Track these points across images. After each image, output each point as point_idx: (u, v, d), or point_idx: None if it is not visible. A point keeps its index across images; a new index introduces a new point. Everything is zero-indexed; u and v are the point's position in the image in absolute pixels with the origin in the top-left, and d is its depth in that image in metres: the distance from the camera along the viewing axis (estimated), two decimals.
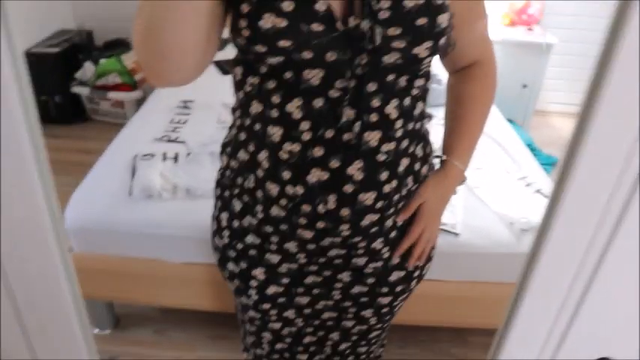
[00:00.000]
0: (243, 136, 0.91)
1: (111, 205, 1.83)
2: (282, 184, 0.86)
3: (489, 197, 1.98)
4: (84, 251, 1.85)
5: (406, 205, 0.97)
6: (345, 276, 1.01)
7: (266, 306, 1.05)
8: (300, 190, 0.86)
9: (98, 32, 3.72)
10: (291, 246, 0.96)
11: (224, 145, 1.00)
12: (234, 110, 0.95)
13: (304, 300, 1.05)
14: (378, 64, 0.80)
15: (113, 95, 3.32)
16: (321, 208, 0.87)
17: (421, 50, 0.80)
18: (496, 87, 1.04)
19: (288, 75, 0.80)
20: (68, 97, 3.41)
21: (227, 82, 2.77)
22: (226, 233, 1.02)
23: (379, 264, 1.01)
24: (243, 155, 0.91)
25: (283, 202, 0.88)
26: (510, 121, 2.75)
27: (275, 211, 0.90)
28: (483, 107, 1.04)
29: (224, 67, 3.00)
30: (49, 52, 3.26)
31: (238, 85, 0.90)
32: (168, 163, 2.06)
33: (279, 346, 1.16)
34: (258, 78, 0.83)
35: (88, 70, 3.34)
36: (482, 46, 1.01)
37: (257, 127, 0.87)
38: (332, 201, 0.86)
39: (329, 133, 0.82)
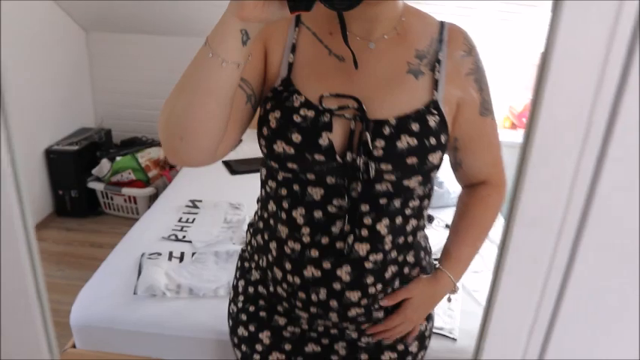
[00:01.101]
0: (261, 224, 1.06)
1: (115, 304, 1.88)
2: (285, 272, 1.00)
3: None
4: (86, 348, 1.88)
5: (393, 293, 1.04)
6: (341, 348, 1.09)
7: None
8: (297, 280, 0.99)
9: (116, 130, 3.91)
10: (295, 315, 1.06)
11: (250, 225, 1.13)
12: (258, 201, 1.10)
13: None
14: (371, 190, 0.92)
15: (127, 191, 3.45)
16: (313, 298, 0.99)
17: (411, 182, 0.93)
18: (500, 208, 1.10)
19: (295, 187, 0.95)
20: (84, 191, 3.53)
21: (234, 182, 2.91)
22: (241, 298, 1.13)
23: (371, 339, 1.09)
24: (259, 240, 1.06)
25: (285, 285, 1.01)
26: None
27: (279, 290, 1.04)
28: (482, 226, 1.10)
29: (233, 167, 3.12)
30: (69, 150, 3.42)
31: (262, 184, 1.05)
32: (174, 262, 2.12)
33: None
34: (275, 183, 0.98)
35: (104, 166, 3.49)
36: (492, 170, 1.08)
37: (271, 222, 1.02)
38: (323, 293, 0.98)
39: (324, 240, 0.95)
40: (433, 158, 0.91)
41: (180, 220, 2.47)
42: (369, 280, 0.98)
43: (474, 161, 1.04)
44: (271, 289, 1.06)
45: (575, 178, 0.55)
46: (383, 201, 0.94)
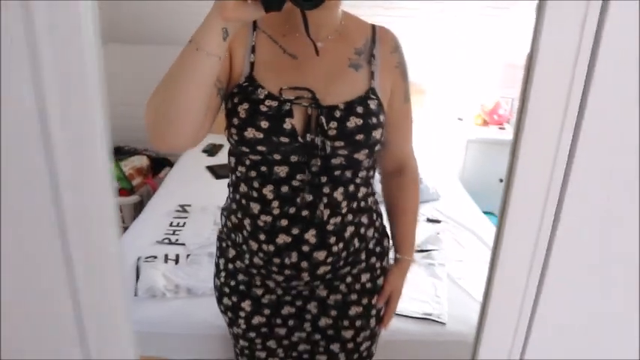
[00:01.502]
0: (234, 206, 1.21)
1: None
2: (259, 243, 1.16)
3: (472, 288, 2.12)
4: None
5: (382, 292, 1.32)
6: (312, 307, 1.28)
7: (252, 334, 1.31)
8: (271, 247, 1.15)
9: None
10: (270, 283, 1.24)
11: (223, 209, 1.29)
12: (229, 186, 1.24)
13: (282, 331, 1.30)
14: (328, 164, 1.11)
15: None
16: (287, 261, 1.16)
17: (360, 155, 1.12)
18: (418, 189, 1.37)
19: (263, 168, 1.12)
20: None
21: (220, 185, 2.98)
22: (223, 274, 1.30)
23: (338, 296, 1.27)
24: (234, 219, 1.21)
25: (260, 254, 1.17)
26: (488, 213, 2.94)
27: (256, 260, 1.20)
28: (415, 208, 1.37)
29: (217, 171, 3.20)
30: None
31: (232, 170, 1.20)
32: (170, 264, 2.19)
33: None
34: (244, 168, 1.14)
35: None
36: (409, 149, 1.33)
37: (243, 201, 1.17)
38: (294, 256, 1.15)
39: (292, 210, 1.13)
40: (376, 134, 1.11)
41: (171, 225, 2.54)
42: (332, 240, 1.16)
43: (398, 139, 1.25)
44: (247, 261, 1.22)
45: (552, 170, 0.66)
46: (337, 173, 1.13)
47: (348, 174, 1.14)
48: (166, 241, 2.38)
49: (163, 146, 0.99)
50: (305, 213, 1.12)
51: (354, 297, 1.28)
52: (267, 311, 1.27)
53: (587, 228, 0.71)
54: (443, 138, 3.95)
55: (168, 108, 0.94)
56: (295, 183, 1.11)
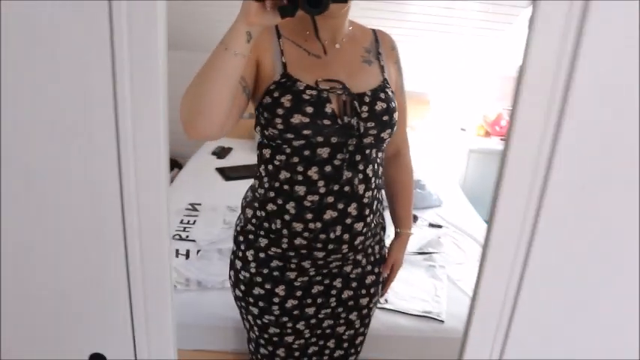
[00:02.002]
0: (271, 194, 1.31)
1: None
2: (306, 222, 1.28)
3: (471, 289, 2.20)
4: None
5: (386, 263, 1.52)
6: (338, 282, 1.40)
7: (285, 319, 1.40)
8: (319, 225, 1.28)
9: None
10: (306, 264, 1.35)
11: (249, 203, 1.38)
12: (260, 178, 1.34)
13: (311, 310, 1.41)
14: (361, 143, 1.27)
15: None
16: (332, 235, 1.29)
17: (385, 134, 1.30)
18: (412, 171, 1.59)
19: (306, 152, 1.25)
20: None
21: (229, 187, 3.08)
22: (253, 264, 1.37)
23: (359, 270, 1.43)
24: (270, 207, 1.31)
25: (306, 234, 1.29)
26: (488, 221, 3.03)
27: (298, 241, 1.30)
28: (411, 187, 1.58)
29: (227, 173, 3.29)
30: None
31: (267, 161, 1.31)
32: (181, 259, 2.28)
33: None
34: (285, 156, 1.27)
35: None
36: (405, 133, 1.55)
37: (285, 187, 1.28)
38: (338, 230, 1.29)
39: (335, 187, 1.27)
40: (395, 116, 1.31)
41: (182, 222, 2.63)
42: (367, 211, 1.32)
43: (399, 125, 1.37)
44: (284, 245, 1.32)
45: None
46: (368, 151, 1.29)
47: (374, 153, 1.31)
48: (177, 237, 2.47)
49: (194, 133, 1.11)
50: (347, 189, 1.27)
51: (369, 267, 1.45)
52: (299, 293, 1.37)
53: (567, 232, 0.79)
54: (446, 147, 4.05)
55: (201, 100, 1.08)
56: (336, 162, 1.25)
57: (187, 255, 2.32)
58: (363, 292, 1.45)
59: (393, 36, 1.44)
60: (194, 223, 2.63)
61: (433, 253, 2.48)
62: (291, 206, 1.28)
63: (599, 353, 0.87)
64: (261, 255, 1.36)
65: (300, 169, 1.26)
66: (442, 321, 2.02)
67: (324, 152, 1.24)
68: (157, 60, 0.73)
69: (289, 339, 1.43)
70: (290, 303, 1.38)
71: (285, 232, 1.30)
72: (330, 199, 1.26)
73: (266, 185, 1.32)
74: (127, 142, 0.77)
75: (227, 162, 3.54)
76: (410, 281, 2.26)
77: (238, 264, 1.41)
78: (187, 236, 2.49)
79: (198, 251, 2.35)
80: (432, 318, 2.03)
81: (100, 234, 0.83)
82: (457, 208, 3.06)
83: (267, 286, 1.36)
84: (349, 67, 1.31)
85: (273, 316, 1.39)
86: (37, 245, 0.84)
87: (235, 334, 1.99)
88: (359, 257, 1.41)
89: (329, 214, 1.27)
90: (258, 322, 1.42)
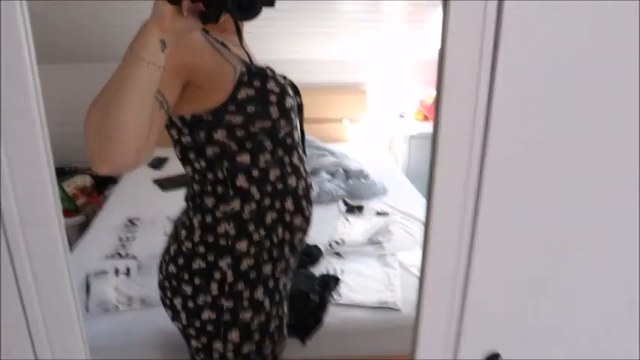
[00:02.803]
0: (269, 188, 1.21)
1: None
2: (302, 210, 1.27)
3: None
4: None
5: None
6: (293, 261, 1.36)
7: (276, 309, 1.33)
8: (310, 207, 1.31)
9: None
10: (287, 251, 1.29)
11: (231, 217, 1.21)
12: (239, 191, 1.21)
13: (283, 283, 1.34)
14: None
15: None
16: (307, 213, 1.30)
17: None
18: None
19: (289, 140, 1.24)
20: None
21: (167, 198, 2.94)
22: (240, 282, 1.24)
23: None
24: (265, 203, 1.22)
25: (304, 212, 1.29)
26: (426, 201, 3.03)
27: (296, 221, 1.27)
28: None
29: (164, 184, 3.16)
30: None
31: (249, 168, 1.19)
32: (122, 277, 2.16)
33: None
34: (268, 153, 1.20)
35: None
36: None
37: (279, 186, 1.22)
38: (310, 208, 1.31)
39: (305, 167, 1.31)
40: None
41: (120, 239, 2.49)
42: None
43: None
44: (281, 233, 1.25)
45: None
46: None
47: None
48: (116, 255, 2.34)
49: (105, 167, 0.93)
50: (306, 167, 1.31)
51: None
52: (282, 276, 1.32)
53: (507, 211, 0.75)
54: (386, 135, 4.04)
55: (111, 122, 0.90)
56: (298, 142, 1.28)
57: (128, 272, 2.20)
58: None
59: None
60: (133, 239, 2.50)
61: (383, 241, 2.44)
62: (289, 202, 1.25)
63: (551, 317, 0.84)
64: (244, 267, 1.24)
65: (287, 160, 1.23)
66: (398, 309, 1.98)
67: (295, 135, 1.26)
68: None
69: (275, 323, 1.33)
70: (277, 291, 1.33)
71: (280, 226, 1.27)
72: (309, 180, 1.33)
73: (256, 185, 1.22)
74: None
75: (163, 172, 3.41)
76: (362, 272, 2.21)
77: (213, 286, 1.24)
78: (127, 253, 2.36)
79: (139, 268, 2.23)
80: (388, 308, 1.99)
81: None
82: (403, 195, 3.04)
83: (259, 294, 1.28)
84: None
85: (270, 313, 1.32)
86: None
87: (185, 350, 1.89)
88: None
89: (310, 192, 1.33)
90: (250, 325, 1.28)
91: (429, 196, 0.75)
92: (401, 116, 4.09)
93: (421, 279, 0.79)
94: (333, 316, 1.96)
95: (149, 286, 2.07)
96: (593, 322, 0.84)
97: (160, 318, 1.91)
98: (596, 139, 0.73)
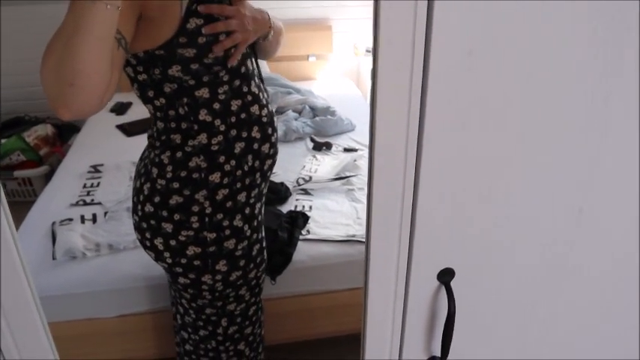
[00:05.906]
0: (233, 119, 1.21)
1: (35, 272, 1.87)
2: (268, 138, 1.29)
3: None
4: None
5: None
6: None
7: (258, 234, 1.39)
8: (271, 130, 1.31)
9: None
10: (258, 177, 1.31)
11: (205, 146, 1.21)
12: (205, 123, 1.20)
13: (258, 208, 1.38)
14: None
15: (19, 173, 3.31)
16: (274, 138, 1.33)
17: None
18: None
19: (243, 69, 1.22)
20: None
21: (132, 142, 2.89)
22: (224, 192, 1.26)
23: None
24: (233, 133, 1.22)
25: (271, 139, 1.30)
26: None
27: (264, 148, 1.29)
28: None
29: (128, 129, 3.09)
30: None
31: (210, 101, 1.18)
32: (88, 224, 2.13)
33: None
34: (227, 85, 1.18)
35: None
36: None
37: (243, 115, 1.22)
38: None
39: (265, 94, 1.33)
40: None
41: (85, 186, 2.45)
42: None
43: None
44: (250, 161, 1.27)
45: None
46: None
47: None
48: (81, 202, 2.30)
49: (67, 113, 0.90)
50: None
51: None
52: (257, 202, 1.36)
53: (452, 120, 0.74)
54: (354, 71, 3.99)
55: (69, 66, 0.86)
56: (253, 70, 1.28)
57: (94, 219, 2.17)
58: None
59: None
60: (98, 185, 2.46)
61: (351, 176, 2.44)
62: (255, 130, 1.27)
63: (500, 229, 0.84)
64: (223, 195, 1.28)
65: (245, 89, 1.23)
66: None
67: (250, 65, 1.27)
68: None
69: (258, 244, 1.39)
70: (255, 215, 1.37)
71: (256, 144, 1.30)
72: (270, 107, 1.34)
73: (222, 115, 1.22)
74: None
75: (127, 117, 3.32)
76: (330, 208, 2.22)
77: (194, 211, 1.25)
78: (92, 200, 2.33)
79: (105, 213, 2.20)
80: (356, 241, 2.01)
81: None
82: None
83: (240, 219, 1.32)
84: None
85: (255, 235, 1.37)
86: None
87: (154, 294, 1.89)
88: None
89: (274, 118, 1.36)
90: (239, 252, 1.33)
91: (372, 109, 0.73)
92: (367, 51, 4.02)
93: (368, 200, 0.78)
94: (301, 252, 1.98)
95: (116, 231, 2.06)
96: (541, 233, 0.84)
97: (128, 262, 1.92)
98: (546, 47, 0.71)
